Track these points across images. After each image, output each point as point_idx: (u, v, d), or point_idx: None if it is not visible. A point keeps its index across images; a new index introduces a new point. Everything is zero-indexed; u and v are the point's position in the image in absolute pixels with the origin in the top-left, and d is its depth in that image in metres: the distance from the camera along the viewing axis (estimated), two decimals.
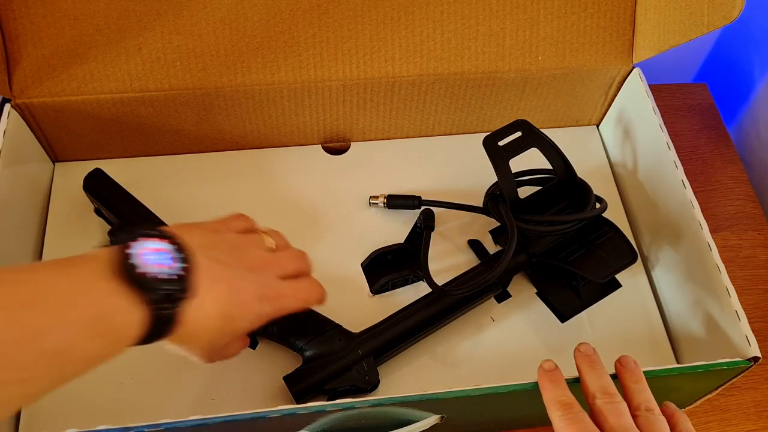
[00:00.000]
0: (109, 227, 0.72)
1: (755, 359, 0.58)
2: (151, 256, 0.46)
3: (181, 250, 0.48)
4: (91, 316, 0.43)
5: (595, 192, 0.70)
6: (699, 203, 0.67)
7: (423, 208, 0.75)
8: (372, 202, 0.77)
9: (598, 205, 0.70)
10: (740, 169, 0.90)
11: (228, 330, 0.53)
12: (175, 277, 0.47)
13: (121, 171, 0.74)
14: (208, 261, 0.51)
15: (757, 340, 0.59)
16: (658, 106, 0.75)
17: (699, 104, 0.96)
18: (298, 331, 0.65)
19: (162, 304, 0.46)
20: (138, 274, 0.45)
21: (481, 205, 0.73)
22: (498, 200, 0.70)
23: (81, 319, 0.42)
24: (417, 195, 0.77)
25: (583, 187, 0.70)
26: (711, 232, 0.66)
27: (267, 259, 0.58)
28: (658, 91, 0.91)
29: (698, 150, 0.92)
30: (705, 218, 0.67)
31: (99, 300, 0.43)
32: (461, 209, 0.76)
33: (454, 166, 0.82)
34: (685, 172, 0.70)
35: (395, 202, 0.77)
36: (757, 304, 0.79)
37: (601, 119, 0.86)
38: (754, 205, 0.87)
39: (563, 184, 0.70)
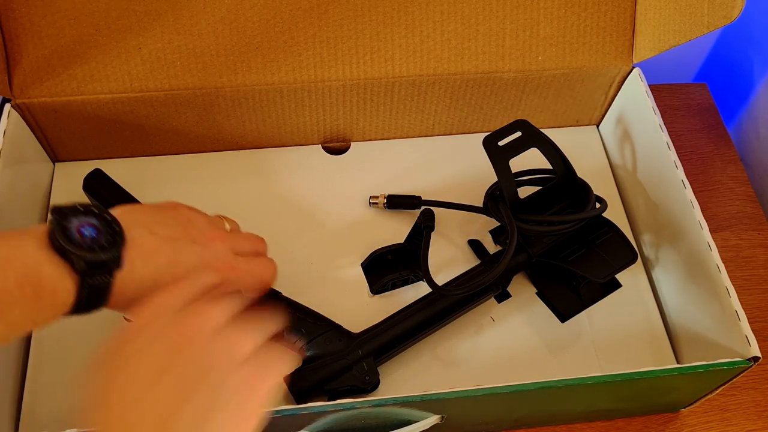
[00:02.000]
0: None
1: (755, 359, 0.58)
2: (81, 228, 0.47)
3: (110, 224, 0.49)
4: (19, 280, 0.44)
5: (595, 192, 0.70)
6: (699, 203, 0.67)
7: (423, 208, 0.75)
8: (372, 202, 0.77)
9: (598, 205, 0.70)
10: (740, 169, 0.90)
11: None
12: (100, 247, 0.47)
13: (121, 171, 0.74)
14: (144, 233, 0.51)
15: (757, 340, 0.59)
16: (658, 106, 0.75)
17: (699, 104, 0.96)
18: (298, 331, 0.65)
19: (89, 274, 0.47)
20: (62, 245, 0.45)
21: (481, 205, 0.73)
22: (498, 200, 0.70)
23: (8, 282, 0.43)
24: (417, 195, 0.77)
25: (583, 187, 0.70)
26: (711, 232, 0.66)
27: (218, 234, 0.57)
28: (658, 91, 0.91)
29: (698, 150, 0.92)
30: (705, 218, 0.66)
31: (26, 266, 0.45)
32: (461, 209, 0.76)
33: (454, 166, 0.82)
34: (685, 172, 0.70)
35: (395, 201, 0.77)
36: (757, 304, 0.79)
37: (601, 119, 0.86)
38: (754, 205, 0.87)
39: (563, 184, 0.70)
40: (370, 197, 0.78)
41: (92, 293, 0.47)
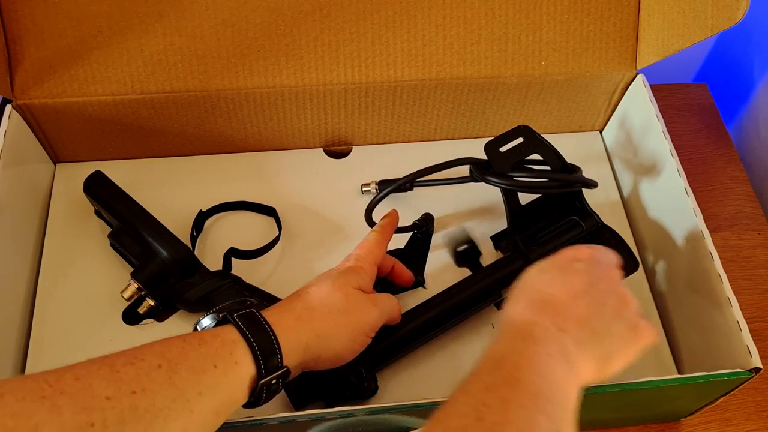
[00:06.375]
0: (110, 229, 0.71)
1: (756, 370, 0.58)
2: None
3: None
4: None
5: (597, 199, 0.70)
6: (699, 203, 0.67)
7: (423, 214, 0.75)
8: (364, 189, 0.77)
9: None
10: (740, 169, 0.90)
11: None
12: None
13: (122, 172, 0.74)
14: None
15: (757, 340, 0.59)
16: (658, 106, 0.75)
17: (699, 104, 0.96)
18: None
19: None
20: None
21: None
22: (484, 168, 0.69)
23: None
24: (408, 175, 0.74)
25: (573, 169, 0.70)
26: (711, 232, 0.65)
27: None
28: (658, 91, 0.91)
29: (698, 150, 0.92)
30: (705, 218, 0.66)
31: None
32: (451, 183, 0.76)
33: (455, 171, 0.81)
34: (685, 172, 0.70)
35: (387, 186, 0.74)
36: (757, 304, 0.79)
37: (604, 125, 0.86)
38: (754, 205, 0.87)
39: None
40: (362, 185, 0.78)
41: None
